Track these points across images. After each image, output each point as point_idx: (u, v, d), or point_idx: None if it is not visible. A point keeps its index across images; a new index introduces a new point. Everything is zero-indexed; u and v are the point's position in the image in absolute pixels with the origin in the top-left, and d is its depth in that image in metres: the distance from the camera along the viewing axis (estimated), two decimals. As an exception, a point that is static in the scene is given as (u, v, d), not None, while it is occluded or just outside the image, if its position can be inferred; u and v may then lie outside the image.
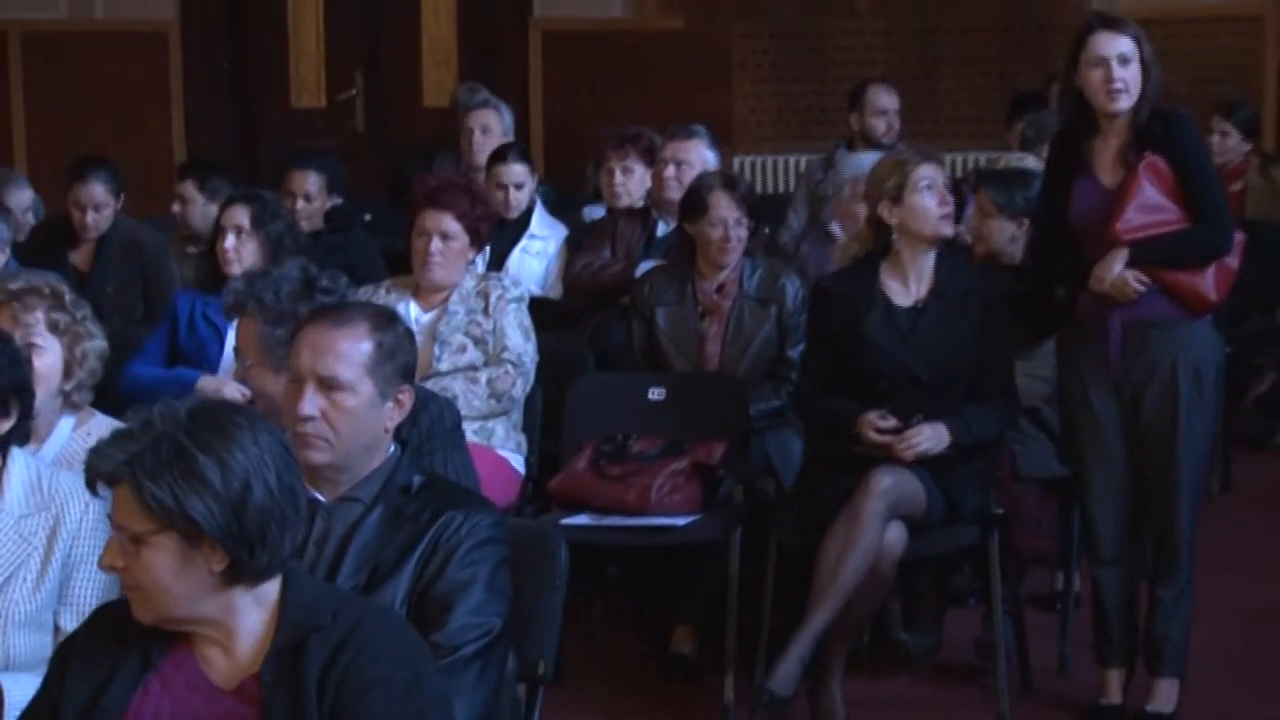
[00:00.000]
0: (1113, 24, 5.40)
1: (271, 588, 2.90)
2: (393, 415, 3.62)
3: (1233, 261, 5.39)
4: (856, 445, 5.49)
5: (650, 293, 6.36)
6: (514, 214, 7.46)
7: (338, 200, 7.78)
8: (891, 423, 5.46)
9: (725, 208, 6.18)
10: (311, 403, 3.51)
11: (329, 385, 3.52)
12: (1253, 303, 7.02)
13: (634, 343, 6.35)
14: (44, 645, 3.63)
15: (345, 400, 3.52)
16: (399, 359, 3.63)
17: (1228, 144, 8.25)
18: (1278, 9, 9.14)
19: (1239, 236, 5.46)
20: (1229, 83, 8.69)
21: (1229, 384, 6.36)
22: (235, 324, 4.53)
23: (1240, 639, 6.12)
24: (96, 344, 4.39)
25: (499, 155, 7.66)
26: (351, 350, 3.55)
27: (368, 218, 8.11)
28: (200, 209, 7.35)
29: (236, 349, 4.51)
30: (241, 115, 10.30)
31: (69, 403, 4.33)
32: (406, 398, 3.65)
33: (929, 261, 5.63)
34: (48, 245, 7.45)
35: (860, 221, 6.10)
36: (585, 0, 9.91)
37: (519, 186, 7.52)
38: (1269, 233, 6.97)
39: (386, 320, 3.69)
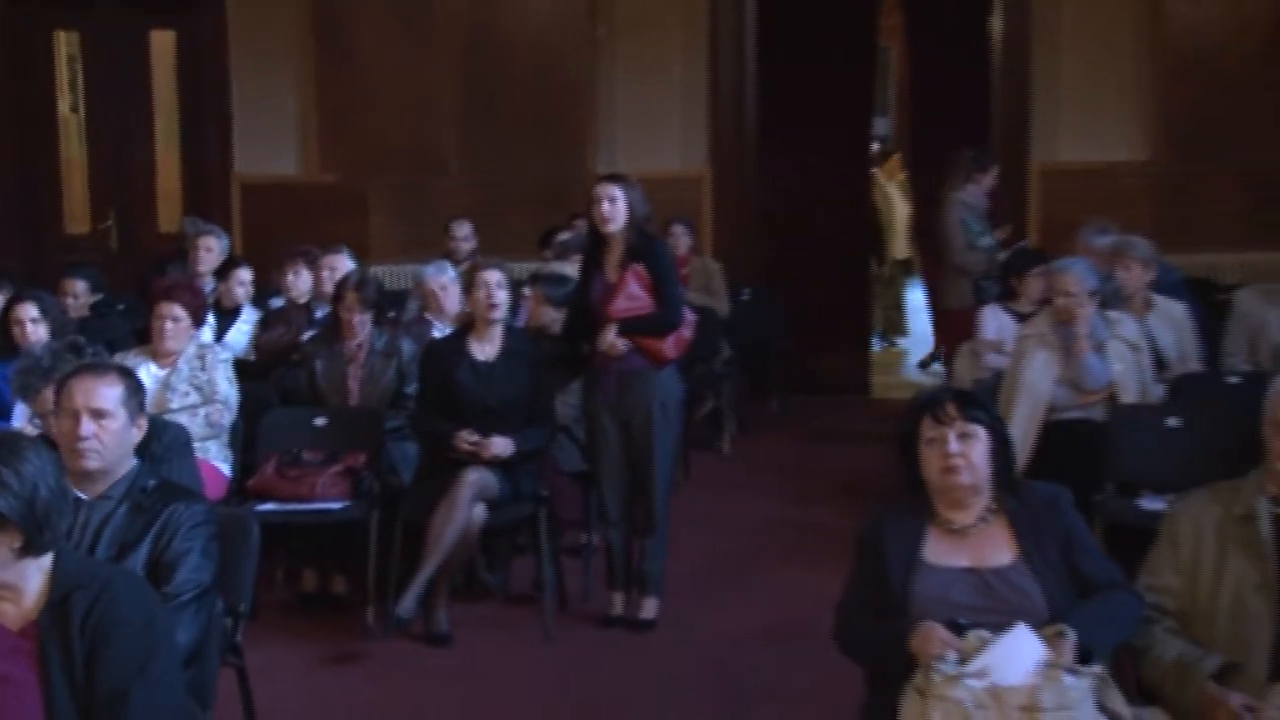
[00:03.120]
0: (613, 178, 5.51)
1: (48, 559, 2.75)
2: (136, 435, 3.52)
3: (686, 332, 5.53)
4: (453, 453, 5.46)
5: (312, 349, 6.23)
6: (243, 302, 7.26)
7: (101, 295, 7.49)
8: (475, 437, 5.45)
9: (356, 301, 6.11)
10: (88, 427, 3.41)
11: (98, 414, 3.42)
12: (697, 356, 7.17)
13: (301, 386, 6.20)
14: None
15: (109, 424, 3.43)
16: (138, 398, 3.55)
17: (679, 240, 8.44)
18: (711, 174, 9.44)
19: (692, 317, 5.60)
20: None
21: (686, 409, 6.49)
22: None
23: (698, 572, 6.21)
24: None
25: (236, 263, 7.46)
26: (110, 390, 3.47)
27: (121, 307, 7.76)
28: None
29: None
30: (29, 239, 9.80)
31: None
32: (143, 422, 3.56)
33: (498, 331, 5.64)
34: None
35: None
36: (270, 161, 9.69)
37: (250, 286, 7.34)
38: (704, 311, 7.11)
39: (127, 373, 3.63)
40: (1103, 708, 2.94)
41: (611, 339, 5.38)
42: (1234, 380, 5.83)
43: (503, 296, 5.59)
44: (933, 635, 3.02)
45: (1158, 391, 5.77)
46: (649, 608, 5.58)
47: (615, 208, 5.39)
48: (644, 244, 5.45)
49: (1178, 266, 7.11)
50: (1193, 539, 3.21)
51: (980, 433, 3.23)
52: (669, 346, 5.45)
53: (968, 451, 3.20)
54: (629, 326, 5.39)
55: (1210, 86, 8.96)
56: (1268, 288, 6.40)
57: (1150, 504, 4.99)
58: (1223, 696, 2.99)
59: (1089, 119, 8.99)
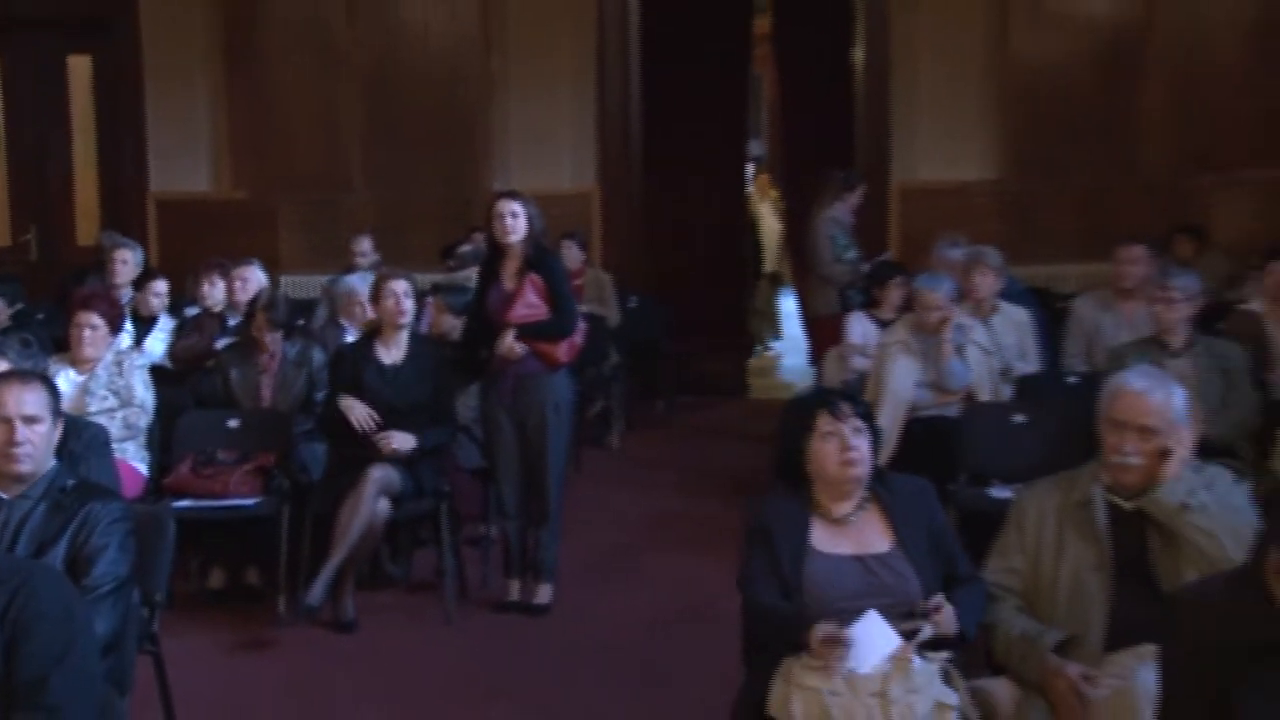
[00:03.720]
0: (509, 195, 5.51)
1: (-31, 557, 2.68)
2: (56, 438, 3.46)
3: (578, 339, 5.54)
4: (360, 450, 5.41)
5: (227, 358, 6.12)
6: (159, 311, 7.11)
7: (21, 305, 7.32)
8: (380, 432, 5.40)
9: (266, 322, 6.00)
10: (23, 432, 3.36)
11: (30, 420, 3.37)
12: (588, 360, 7.16)
13: (216, 390, 6.09)
14: None
15: (39, 428, 3.38)
16: (57, 401, 3.50)
17: (572, 254, 8.44)
18: (600, 191, 9.46)
19: (583, 324, 5.60)
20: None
21: (578, 409, 6.48)
22: None
23: (589, 560, 6.21)
24: None
25: (152, 275, 7.30)
26: (38, 398, 3.42)
27: (41, 316, 7.57)
28: None
29: None
30: (-50, 253, 9.60)
31: None
32: (61, 425, 3.50)
33: (404, 336, 5.61)
34: None
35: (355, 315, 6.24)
36: (183, 178, 9.53)
37: (166, 297, 7.20)
38: (594, 319, 7.12)
39: (46, 378, 3.58)
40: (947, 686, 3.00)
41: (510, 343, 5.37)
42: (1073, 380, 5.96)
43: (409, 305, 5.57)
44: (815, 637, 3.03)
45: (1006, 390, 5.89)
46: (543, 594, 5.57)
47: (516, 222, 5.39)
48: (540, 256, 5.45)
49: (1022, 278, 7.27)
50: (1036, 524, 3.29)
51: (866, 429, 3.28)
52: (562, 351, 5.45)
53: (861, 445, 3.25)
54: (526, 332, 5.38)
55: (1051, 113, 9.19)
56: (1102, 295, 6.56)
57: (999, 493, 5.08)
58: (1062, 667, 3.07)
59: (943, 142, 9.16)
